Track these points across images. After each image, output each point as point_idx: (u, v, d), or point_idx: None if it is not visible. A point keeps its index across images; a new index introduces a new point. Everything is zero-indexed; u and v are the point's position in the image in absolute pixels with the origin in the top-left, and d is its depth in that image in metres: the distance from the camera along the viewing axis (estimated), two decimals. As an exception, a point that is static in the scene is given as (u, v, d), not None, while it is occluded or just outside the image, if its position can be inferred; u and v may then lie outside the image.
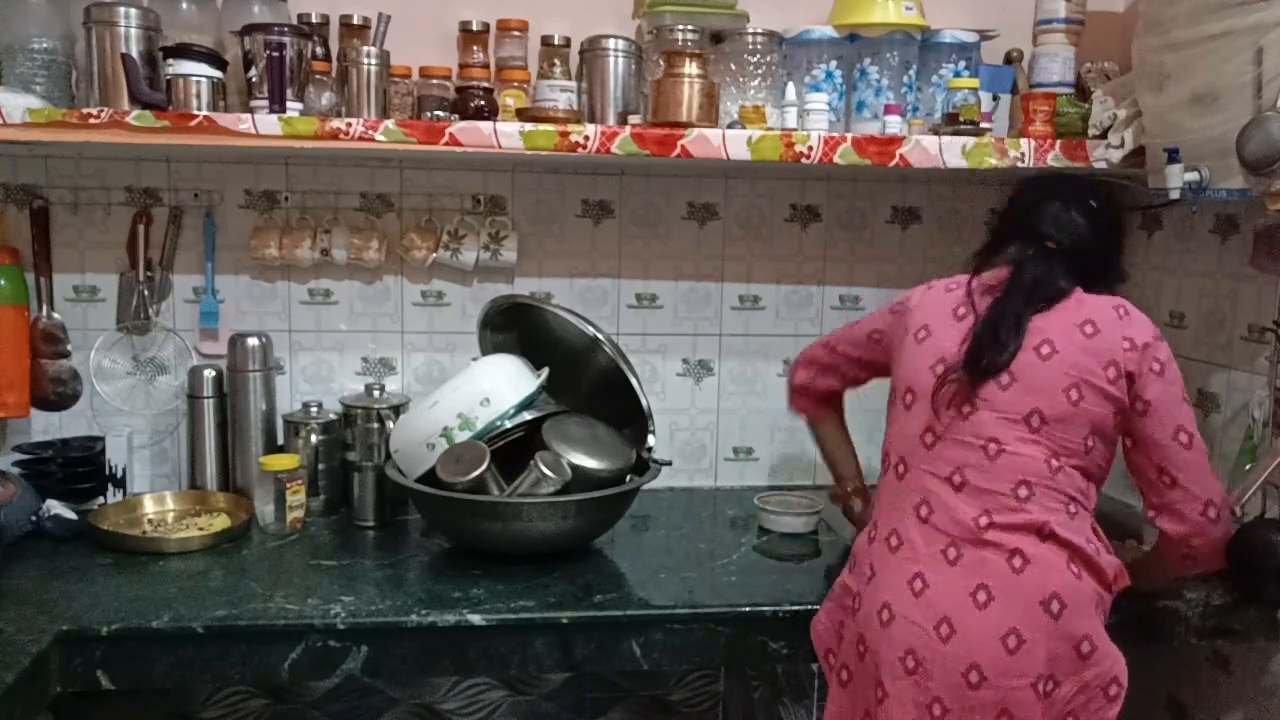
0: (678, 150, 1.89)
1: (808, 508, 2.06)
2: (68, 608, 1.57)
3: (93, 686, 1.53)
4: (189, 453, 2.11)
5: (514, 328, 2.05)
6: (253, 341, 2.08)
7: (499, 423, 1.86)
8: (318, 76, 1.97)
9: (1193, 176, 1.69)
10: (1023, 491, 1.44)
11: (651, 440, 1.96)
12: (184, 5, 1.95)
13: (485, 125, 1.86)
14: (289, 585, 1.69)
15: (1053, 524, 1.43)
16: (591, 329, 1.95)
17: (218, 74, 1.86)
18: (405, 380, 2.25)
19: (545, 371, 1.95)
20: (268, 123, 1.81)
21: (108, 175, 2.10)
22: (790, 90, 1.99)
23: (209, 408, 2.08)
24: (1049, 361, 1.47)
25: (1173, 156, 1.70)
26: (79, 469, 2.02)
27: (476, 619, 1.59)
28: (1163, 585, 1.68)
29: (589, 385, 2.04)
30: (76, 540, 1.87)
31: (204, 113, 1.80)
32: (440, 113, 1.93)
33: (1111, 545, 1.52)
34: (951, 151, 1.94)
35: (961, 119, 1.97)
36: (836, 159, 1.92)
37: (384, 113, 1.98)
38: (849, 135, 1.94)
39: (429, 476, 1.83)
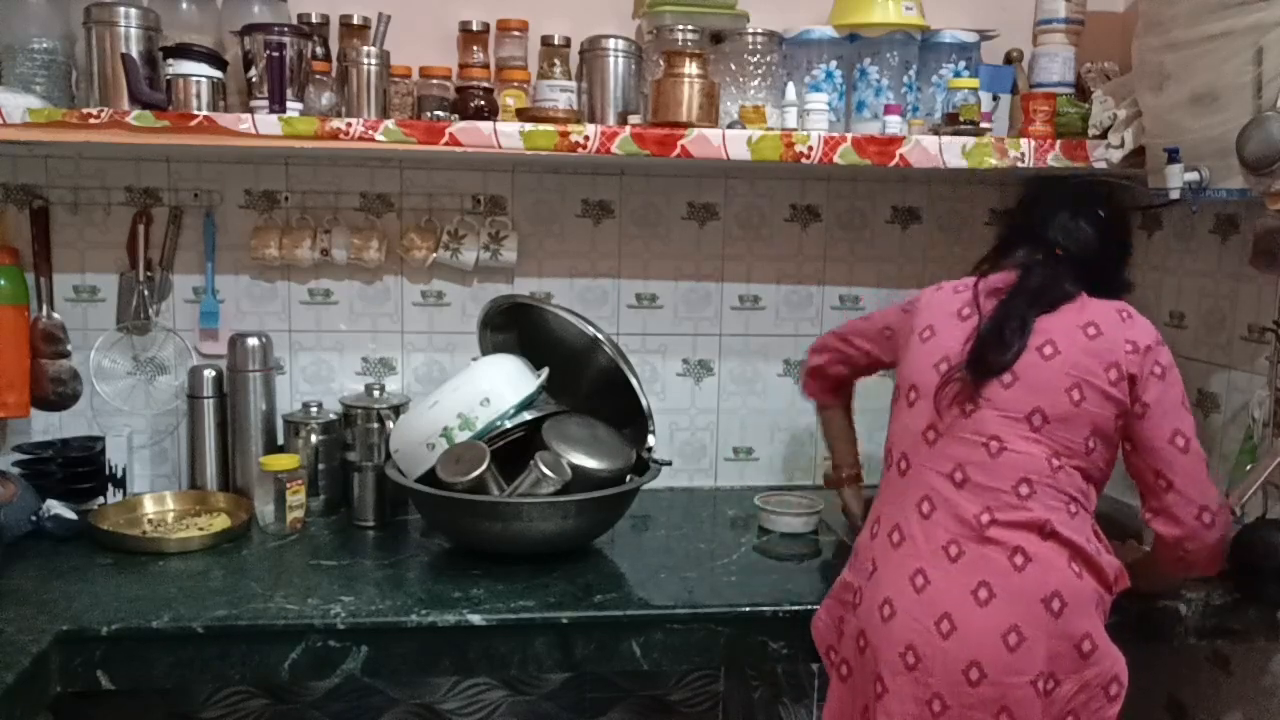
0: (678, 150, 1.89)
1: (808, 508, 2.06)
2: (68, 608, 1.57)
3: (93, 686, 1.53)
4: (189, 453, 2.11)
5: (514, 328, 2.05)
6: (253, 341, 2.08)
7: (499, 423, 1.86)
8: (318, 76, 1.97)
9: (1193, 176, 1.69)
10: (1024, 489, 1.45)
11: (651, 440, 1.96)
12: (184, 5, 1.95)
13: (485, 125, 1.86)
14: (289, 585, 1.69)
15: (1054, 522, 1.44)
16: (591, 329, 1.95)
17: (218, 74, 1.86)
18: (405, 380, 2.25)
19: (545, 371, 1.95)
20: (268, 123, 1.81)
21: (108, 175, 2.10)
22: (790, 90, 1.99)
23: (209, 408, 2.08)
24: (1051, 361, 1.48)
25: (1173, 156, 1.70)
26: (79, 469, 2.02)
27: (476, 619, 1.59)
28: (1162, 587, 1.68)
29: (589, 385, 2.04)
30: (76, 540, 1.87)
31: (204, 113, 1.80)
32: (440, 113, 1.93)
33: (1113, 545, 1.52)
34: (951, 151, 1.94)
35: (961, 119, 1.97)
36: (836, 159, 1.92)
37: (384, 113, 1.98)
38: (849, 135, 1.94)
39: (429, 476, 1.83)
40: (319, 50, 2.01)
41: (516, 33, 2.10)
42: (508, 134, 1.86)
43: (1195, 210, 1.86)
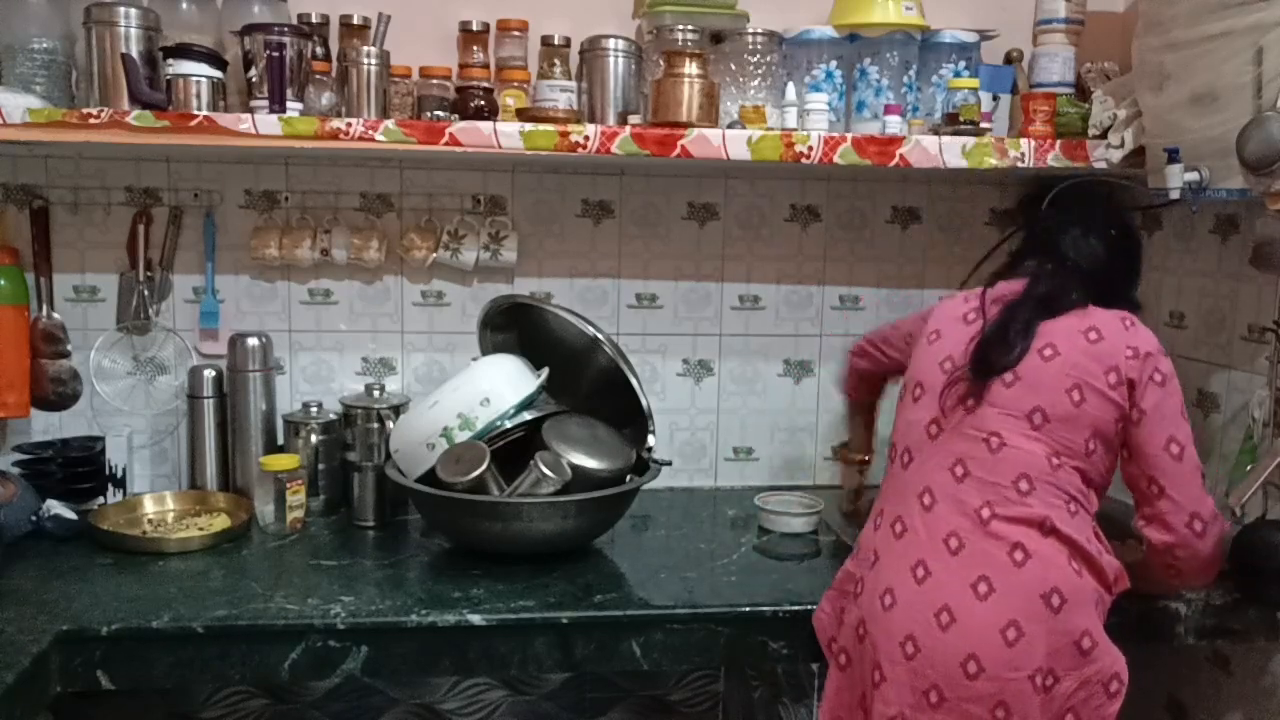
0: (678, 150, 1.89)
1: (808, 508, 2.06)
2: (68, 608, 1.57)
3: (93, 686, 1.53)
4: (189, 453, 2.11)
5: (514, 328, 2.05)
6: (253, 341, 2.08)
7: (499, 423, 1.86)
8: (318, 76, 1.97)
9: (1193, 176, 1.69)
10: (1023, 485, 1.47)
11: (651, 440, 1.96)
12: (184, 5, 1.95)
13: (485, 125, 1.86)
14: (289, 585, 1.69)
15: (1054, 519, 1.45)
16: (591, 329, 1.95)
17: (218, 74, 1.86)
18: (405, 380, 2.25)
19: (545, 371, 1.95)
20: (268, 123, 1.81)
21: (108, 175, 2.10)
22: (790, 90, 1.99)
23: (209, 408, 2.08)
24: (1050, 363, 1.50)
25: (1173, 156, 1.70)
26: (79, 469, 2.02)
27: (476, 619, 1.59)
28: (1161, 590, 1.68)
29: (589, 385, 2.04)
30: (76, 540, 1.87)
31: (204, 113, 1.80)
32: (440, 113, 1.93)
33: (1114, 545, 1.53)
34: (951, 151, 1.94)
35: (961, 119, 1.97)
36: (836, 159, 1.92)
37: (384, 113, 1.98)
38: (849, 135, 1.94)
39: (429, 476, 1.83)
40: (319, 50, 2.01)
41: (516, 33, 2.10)
42: (508, 134, 1.86)
43: (1195, 210, 1.86)
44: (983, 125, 1.98)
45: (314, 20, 2.05)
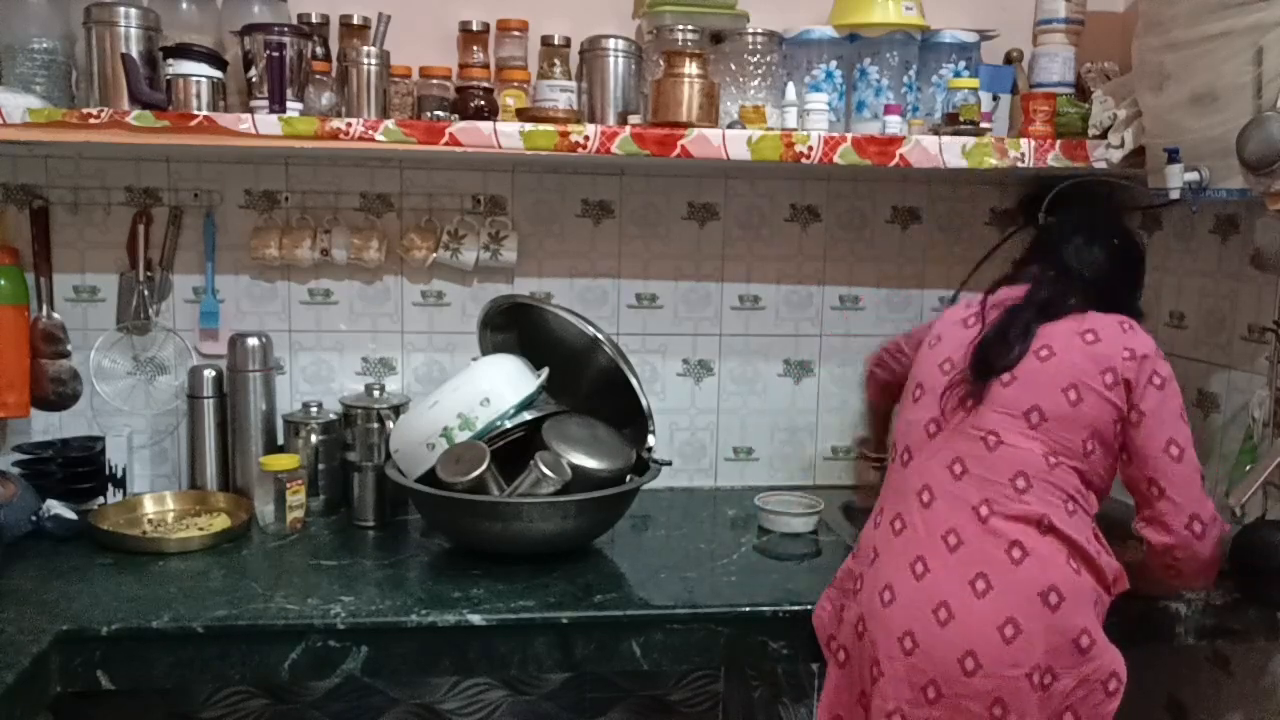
0: (678, 150, 1.89)
1: (808, 508, 2.06)
2: (68, 608, 1.57)
3: (93, 686, 1.53)
4: (189, 453, 2.11)
5: (514, 328, 2.05)
6: (253, 341, 2.08)
7: (499, 423, 1.86)
8: (318, 76, 1.97)
9: (1193, 176, 1.69)
10: (1020, 483, 1.47)
11: (651, 440, 1.96)
12: (184, 5, 1.95)
13: (485, 125, 1.86)
14: (289, 585, 1.69)
15: (1052, 518, 1.46)
16: (591, 329, 1.95)
17: (218, 74, 1.86)
18: (405, 380, 2.25)
19: (545, 371, 1.95)
20: (268, 123, 1.81)
21: (108, 175, 2.10)
22: (790, 90, 1.99)
23: (209, 408, 2.08)
24: (1047, 363, 1.52)
25: (1173, 156, 1.70)
26: (79, 469, 2.02)
27: (476, 619, 1.59)
28: (1161, 591, 1.68)
29: (589, 385, 2.04)
30: (76, 540, 1.87)
31: (204, 113, 1.80)
32: (440, 113, 1.93)
33: (1114, 546, 1.53)
34: (951, 151, 1.94)
35: (961, 119, 1.97)
36: (836, 159, 1.92)
37: (384, 113, 1.98)
38: (849, 135, 1.94)
39: (429, 476, 1.83)
40: (319, 50, 2.01)
41: (516, 33, 2.10)
42: (508, 134, 1.86)
43: (1195, 210, 1.86)
44: (983, 125, 1.98)
45: (314, 20, 2.05)
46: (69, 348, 2.06)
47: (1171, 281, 2.12)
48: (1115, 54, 2.13)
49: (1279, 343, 1.77)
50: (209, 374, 2.08)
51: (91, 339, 2.11)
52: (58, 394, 2.04)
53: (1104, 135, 1.96)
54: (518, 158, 1.92)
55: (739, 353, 2.35)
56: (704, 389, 2.35)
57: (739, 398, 2.36)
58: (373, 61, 1.95)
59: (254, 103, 1.86)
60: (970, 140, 1.94)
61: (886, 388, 2.06)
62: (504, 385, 1.89)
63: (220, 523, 1.95)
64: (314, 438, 2.06)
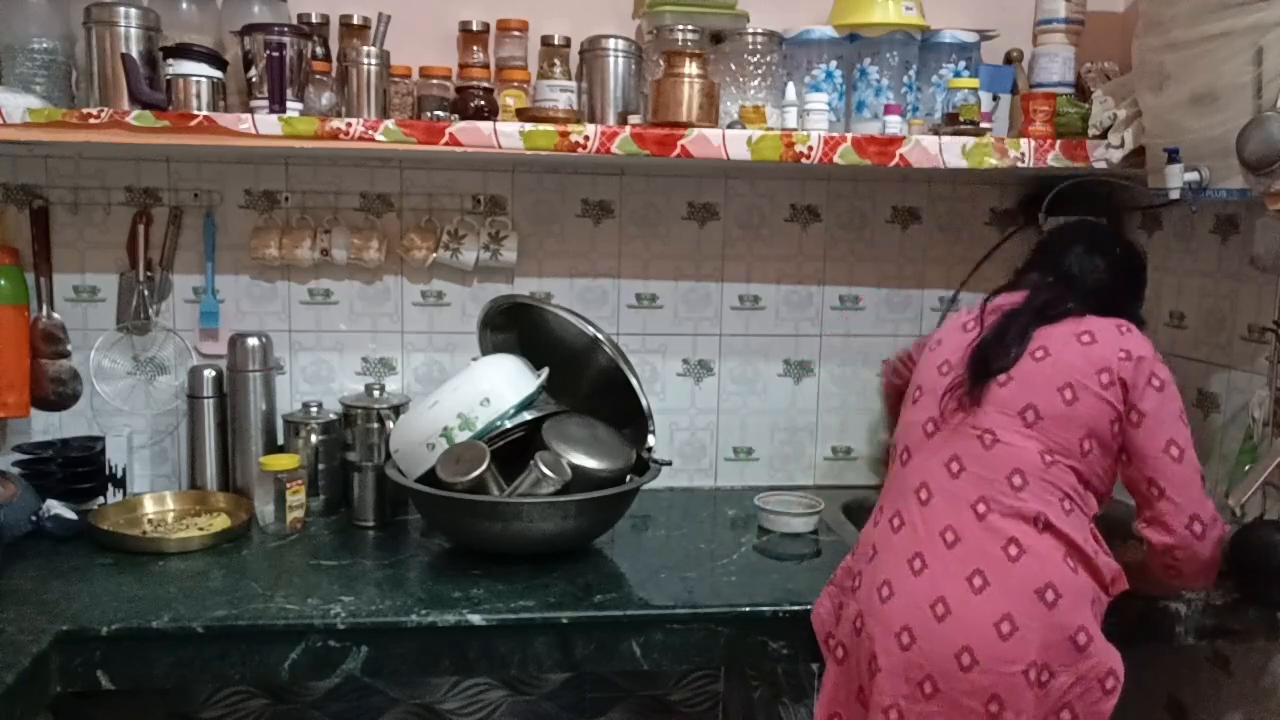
0: (678, 150, 1.89)
1: (808, 508, 2.06)
2: (68, 608, 1.57)
3: (93, 686, 1.53)
4: (189, 453, 2.11)
5: (514, 328, 2.05)
6: (253, 341, 2.08)
7: (499, 423, 1.86)
8: (318, 76, 1.97)
9: (1193, 176, 1.69)
10: (1017, 480, 1.48)
11: (651, 440, 1.96)
12: (184, 5, 1.95)
13: (485, 125, 1.86)
14: (289, 585, 1.69)
15: (1049, 515, 1.46)
16: (591, 329, 1.95)
17: (218, 74, 1.86)
18: (405, 380, 2.25)
19: (545, 371, 1.95)
20: (268, 123, 1.81)
21: (108, 175, 2.10)
22: (790, 90, 1.99)
23: (209, 408, 2.08)
24: (1042, 363, 1.54)
25: (1173, 156, 1.70)
26: (79, 469, 2.02)
27: (476, 619, 1.59)
28: (1160, 591, 1.68)
29: (589, 385, 2.04)
30: (76, 540, 1.87)
31: (204, 113, 1.80)
32: (440, 113, 1.93)
33: (1115, 546, 1.53)
34: (951, 151, 1.94)
35: (961, 119, 1.97)
36: (836, 159, 1.92)
37: (384, 113, 1.98)
38: (849, 135, 1.94)
39: (429, 476, 1.83)
40: (319, 50, 2.01)
41: (516, 33, 2.10)
42: (508, 134, 1.86)
43: (1195, 210, 1.86)
44: (983, 125, 1.98)
45: (314, 20, 2.05)
46: (69, 348, 2.06)
47: (1171, 281, 2.12)
48: (1115, 54, 2.13)
49: (1279, 343, 1.77)
50: (209, 374, 2.08)
51: (91, 339, 2.11)
52: (58, 394, 2.04)
53: (1104, 135, 1.96)
54: (518, 158, 1.92)
55: (739, 353, 2.35)
56: (704, 389, 2.35)
57: (739, 398, 2.36)
58: (373, 61, 1.95)
59: (254, 103, 1.86)
60: (970, 140, 1.94)
61: (901, 394, 2.07)
62: (504, 385, 1.89)
63: (220, 523, 1.95)
64: (314, 438, 2.06)
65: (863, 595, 1.53)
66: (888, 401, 2.22)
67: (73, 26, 1.89)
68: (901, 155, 1.93)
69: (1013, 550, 1.45)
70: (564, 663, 1.64)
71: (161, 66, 1.86)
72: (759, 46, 2.07)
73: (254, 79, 1.87)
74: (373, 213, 2.18)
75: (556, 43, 2.09)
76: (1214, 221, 1.99)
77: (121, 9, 1.83)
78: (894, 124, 1.99)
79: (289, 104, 1.85)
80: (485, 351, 2.04)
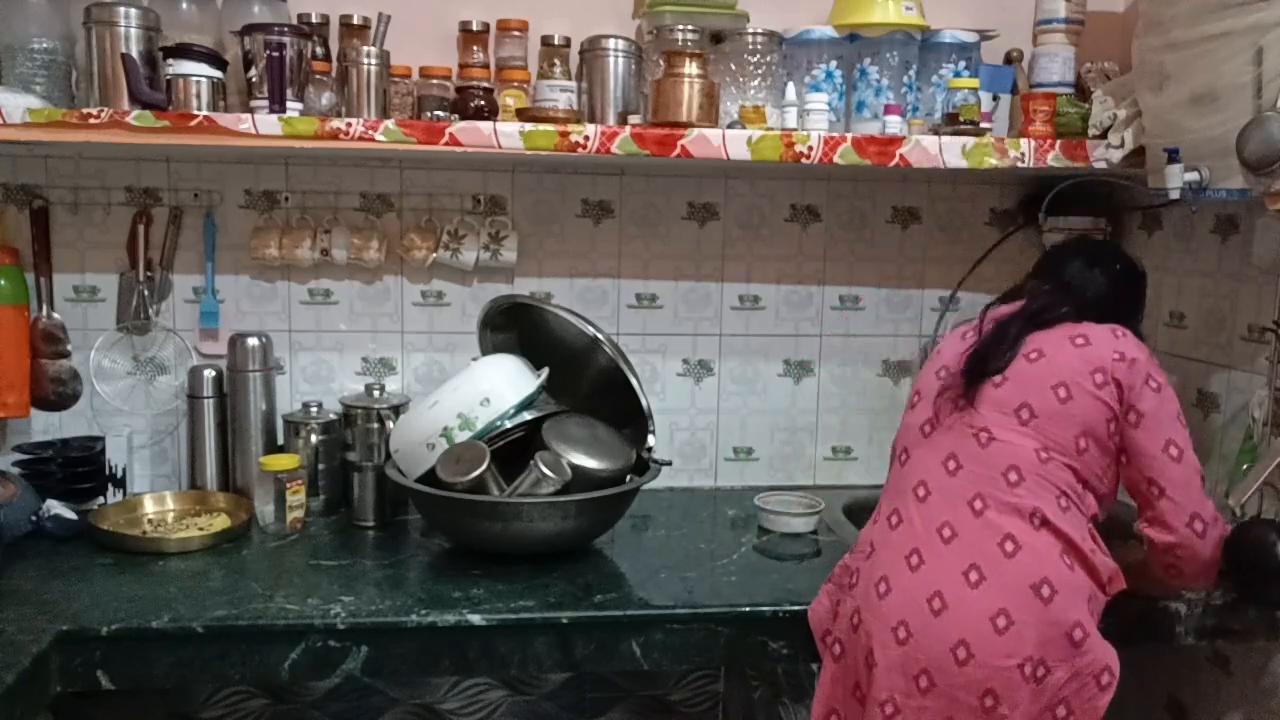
0: (678, 150, 1.89)
1: (808, 508, 2.06)
2: (68, 608, 1.57)
3: (93, 686, 1.53)
4: (189, 453, 2.11)
5: (514, 328, 2.05)
6: (253, 341, 2.08)
7: (499, 423, 1.86)
8: (318, 76, 1.97)
9: (1193, 176, 1.69)
10: (1013, 476, 1.50)
11: (651, 440, 1.96)
12: (184, 5, 1.95)
13: (485, 125, 1.86)
14: (289, 585, 1.69)
15: (1045, 511, 1.47)
16: (591, 329, 1.95)
17: (218, 74, 1.86)
18: (405, 380, 2.25)
19: (545, 371, 1.95)
20: (268, 123, 1.81)
21: (108, 175, 2.10)
22: (790, 90, 1.99)
23: (209, 408, 2.08)
24: (1036, 364, 1.56)
25: (1173, 156, 1.70)
26: (79, 469, 2.02)
27: (476, 619, 1.59)
28: (1159, 591, 1.68)
29: (589, 385, 2.04)
30: (76, 540, 1.87)
31: (204, 113, 1.80)
32: (440, 113, 1.93)
33: (1115, 546, 1.54)
34: (951, 151, 1.94)
35: (961, 119, 1.97)
36: (836, 159, 1.92)
37: (384, 113, 1.98)
38: (849, 135, 1.94)
39: (429, 476, 1.83)
40: (319, 50, 2.01)
41: (516, 33, 2.10)
42: (508, 134, 1.86)
43: (1195, 210, 1.86)
44: (983, 125, 1.98)
45: (314, 20, 2.05)
46: (69, 348, 2.06)
47: (1171, 281, 2.12)
48: (1115, 54, 2.13)
49: (1279, 343, 1.77)
50: (209, 374, 2.08)
51: (91, 339, 2.11)
52: (58, 394, 2.04)
53: (1104, 135, 1.96)
54: (518, 158, 1.92)
55: (739, 353, 2.35)
56: (704, 389, 2.35)
57: (739, 398, 2.36)
58: (373, 61, 1.95)
59: (254, 103, 1.86)
60: (970, 140, 1.94)
61: None
62: (504, 385, 1.89)
63: (220, 523, 1.95)
64: (314, 438, 2.06)
65: (860, 592, 1.53)
66: None
67: (73, 26, 1.89)
68: (901, 155, 1.93)
69: (1009, 546, 1.46)
70: (564, 663, 1.64)
71: (161, 66, 1.86)
72: (759, 46, 2.07)
73: (254, 79, 1.87)
74: (373, 213, 2.18)
75: (556, 43, 2.09)
76: (1214, 221, 1.99)
77: (121, 9, 1.83)
78: (894, 124, 1.99)
79: (289, 104, 1.85)
80: (485, 351, 2.04)
